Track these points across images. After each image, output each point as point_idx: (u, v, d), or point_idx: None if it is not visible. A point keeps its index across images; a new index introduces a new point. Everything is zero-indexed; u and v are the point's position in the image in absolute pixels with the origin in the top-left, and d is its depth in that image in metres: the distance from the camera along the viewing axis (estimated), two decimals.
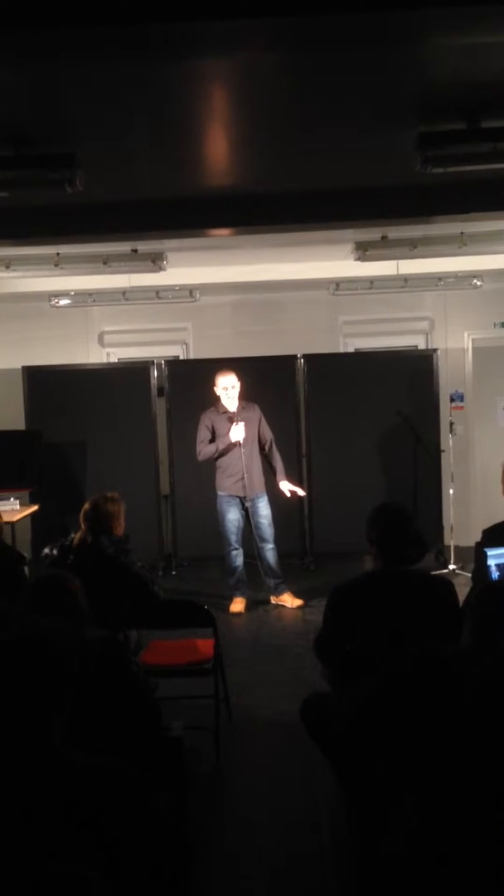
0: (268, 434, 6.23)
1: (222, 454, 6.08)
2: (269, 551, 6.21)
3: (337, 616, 3.23)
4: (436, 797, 2.17)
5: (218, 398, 6.14)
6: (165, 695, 3.21)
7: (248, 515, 6.17)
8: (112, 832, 1.68)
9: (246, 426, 6.01)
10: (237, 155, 4.42)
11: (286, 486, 6.25)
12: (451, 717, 2.27)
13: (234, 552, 6.21)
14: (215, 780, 3.62)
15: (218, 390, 6.12)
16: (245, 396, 6.22)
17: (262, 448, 6.21)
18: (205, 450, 6.11)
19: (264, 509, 6.16)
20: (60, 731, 1.77)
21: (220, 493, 6.19)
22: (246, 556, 6.28)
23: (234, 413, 6.05)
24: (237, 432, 5.98)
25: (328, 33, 2.97)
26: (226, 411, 6.08)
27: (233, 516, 6.16)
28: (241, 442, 5.98)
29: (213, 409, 6.17)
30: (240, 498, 6.10)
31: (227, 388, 6.07)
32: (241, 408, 6.10)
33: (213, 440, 6.09)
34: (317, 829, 3.22)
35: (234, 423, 5.99)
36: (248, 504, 6.11)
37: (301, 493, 6.29)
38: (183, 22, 2.73)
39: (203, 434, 6.14)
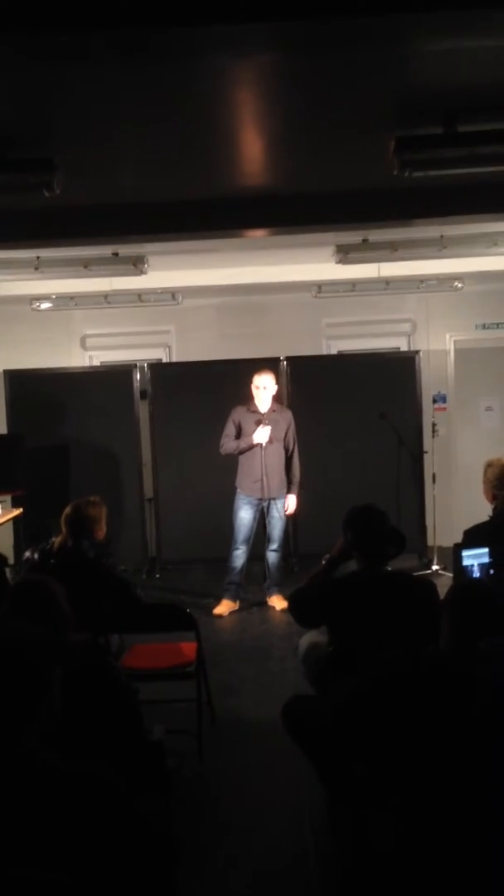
0: (291, 442, 6.21)
1: (242, 452, 6.09)
2: (271, 553, 6.23)
3: (321, 608, 3.24)
4: (418, 798, 2.18)
5: (252, 396, 6.13)
6: (148, 698, 3.21)
7: (264, 517, 6.17)
8: (93, 837, 1.68)
9: (272, 429, 6.01)
10: (218, 160, 4.42)
11: (289, 500, 6.21)
12: (433, 717, 2.28)
13: (236, 552, 6.21)
14: (198, 784, 3.62)
15: (253, 388, 6.11)
16: (228, 398, 6.22)
17: (287, 453, 6.21)
18: (227, 444, 6.13)
19: (280, 511, 6.16)
20: (39, 736, 1.77)
21: (238, 490, 6.19)
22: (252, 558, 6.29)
23: (262, 415, 6.04)
24: (261, 435, 5.98)
25: (309, 39, 2.99)
26: (255, 410, 6.08)
27: (244, 514, 6.15)
28: (263, 444, 5.99)
29: (243, 406, 6.16)
30: (257, 499, 6.10)
31: (260, 387, 6.06)
32: (271, 410, 6.09)
33: (238, 437, 6.10)
34: (301, 832, 3.22)
35: (262, 426, 5.98)
36: (264, 505, 6.12)
37: (289, 511, 6.26)
38: (168, 27, 2.75)
39: (228, 429, 6.15)
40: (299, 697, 3.25)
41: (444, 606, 2.55)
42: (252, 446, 6.03)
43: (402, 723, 2.33)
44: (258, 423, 6.01)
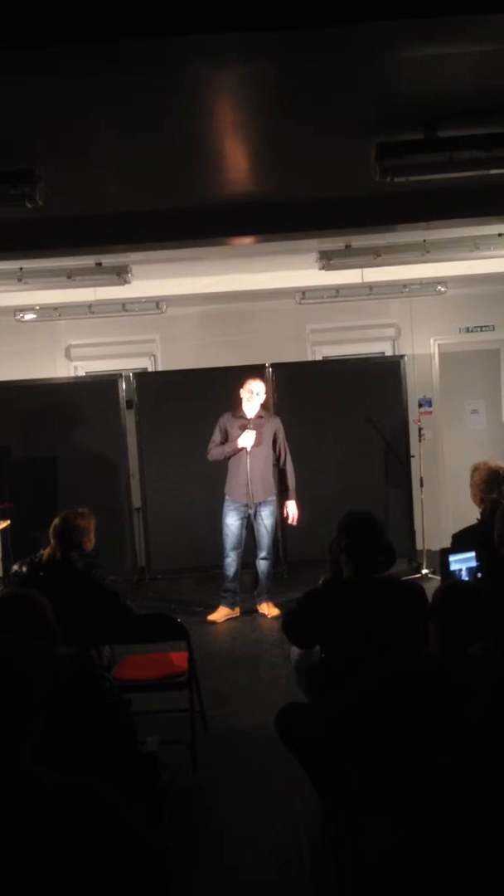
0: (283, 449, 6.21)
1: (228, 458, 6.10)
2: (260, 560, 6.22)
3: (311, 620, 3.23)
4: (413, 805, 2.17)
5: (240, 401, 6.14)
6: (141, 709, 3.20)
7: (251, 523, 6.16)
8: (86, 852, 1.66)
9: (257, 434, 6.02)
10: (200, 169, 4.42)
11: (289, 508, 6.21)
12: (425, 724, 2.28)
13: (227, 559, 6.21)
14: (192, 794, 3.60)
15: (243, 393, 6.12)
16: (215, 406, 6.22)
17: (276, 461, 6.20)
18: (213, 451, 6.15)
19: (267, 518, 6.15)
20: (29, 752, 1.75)
21: (226, 497, 6.20)
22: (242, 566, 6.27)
23: (248, 420, 6.05)
24: (245, 439, 5.99)
25: (288, 47, 3.00)
26: (242, 416, 6.09)
27: (231, 521, 6.16)
28: (248, 449, 5.99)
29: (230, 412, 6.18)
30: (245, 505, 6.10)
31: (254, 392, 6.08)
32: (257, 416, 6.11)
33: (225, 442, 6.11)
34: (296, 840, 3.21)
35: (246, 430, 5.99)
36: (250, 511, 6.12)
37: (293, 519, 6.27)
38: (148, 37, 2.75)
39: (215, 435, 6.18)
40: (292, 705, 3.24)
41: (431, 610, 2.55)
42: (237, 451, 6.04)
43: (395, 729, 2.33)
44: (243, 427, 6.02)
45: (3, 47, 2.74)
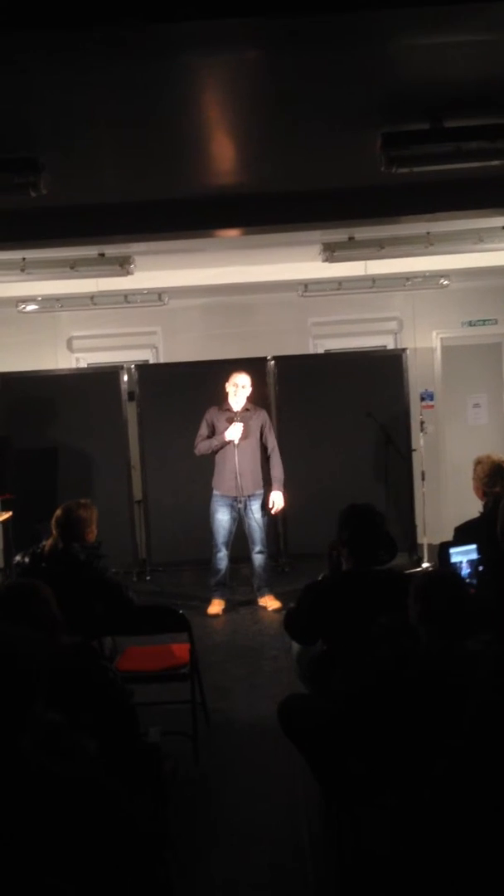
0: (270, 441, 6.21)
1: (216, 451, 6.09)
2: (255, 554, 6.21)
3: (310, 614, 3.23)
4: (414, 796, 2.17)
5: (226, 395, 6.12)
6: (142, 701, 3.19)
7: (242, 517, 6.15)
8: (88, 841, 1.66)
9: (244, 427, 6.00)
10: (202, 159, 4.40)
11: (275, 497, 6.18)
12: (426, 717, 2.28)
13: (219, 554, 6.20)
14: (194, 786, 3.60)
15: (228, 387, 6.11)
16: (217, 399, 6.22)
17: (265, 453, 6.20)
18: (200, 445, 6.15)
19: (257, 512, 6.14)
20: (31, 740, 1.75)
21: (214, 491, 6.19)
22: (238, 558, 6.23)
23: (234, 413, 6.04)
24: (232, 432, 5.98)
25: (290, 35, 2.98)
26: (228, 409, 6.08)
27: (221, 516, 6.15)
28: (236, 442, 5.98)
29: (216, 406, 6.17)
30: (233, 498, 6.09)
31: (240, 385, 6.07)
32: (244, 409, 6.10)
33: (212, 436, 6.10)
34: (297, 832, 3.21)
35: (234, 423, 5.98)
36: (240, 505, 6.11)
37: (276, 509, 6.23)
38: (148, 24, 2.73)
39: (202, 429, 6.17)
40: (294, 696, 3.24)
41: (413, 597, 2.54)
42: (224, 444, 6.02)
43: (396, 723, 2.33)
44: (230, 421, 6.01)
45: (7, 33, 2.72)
